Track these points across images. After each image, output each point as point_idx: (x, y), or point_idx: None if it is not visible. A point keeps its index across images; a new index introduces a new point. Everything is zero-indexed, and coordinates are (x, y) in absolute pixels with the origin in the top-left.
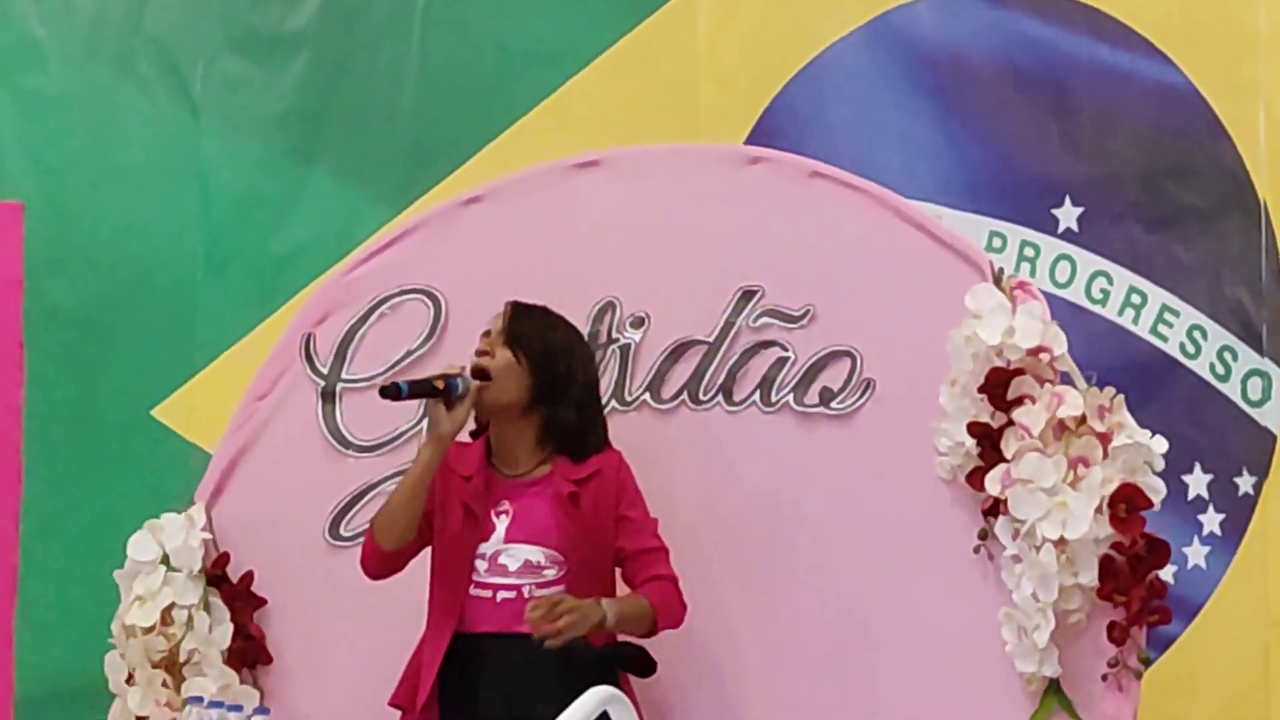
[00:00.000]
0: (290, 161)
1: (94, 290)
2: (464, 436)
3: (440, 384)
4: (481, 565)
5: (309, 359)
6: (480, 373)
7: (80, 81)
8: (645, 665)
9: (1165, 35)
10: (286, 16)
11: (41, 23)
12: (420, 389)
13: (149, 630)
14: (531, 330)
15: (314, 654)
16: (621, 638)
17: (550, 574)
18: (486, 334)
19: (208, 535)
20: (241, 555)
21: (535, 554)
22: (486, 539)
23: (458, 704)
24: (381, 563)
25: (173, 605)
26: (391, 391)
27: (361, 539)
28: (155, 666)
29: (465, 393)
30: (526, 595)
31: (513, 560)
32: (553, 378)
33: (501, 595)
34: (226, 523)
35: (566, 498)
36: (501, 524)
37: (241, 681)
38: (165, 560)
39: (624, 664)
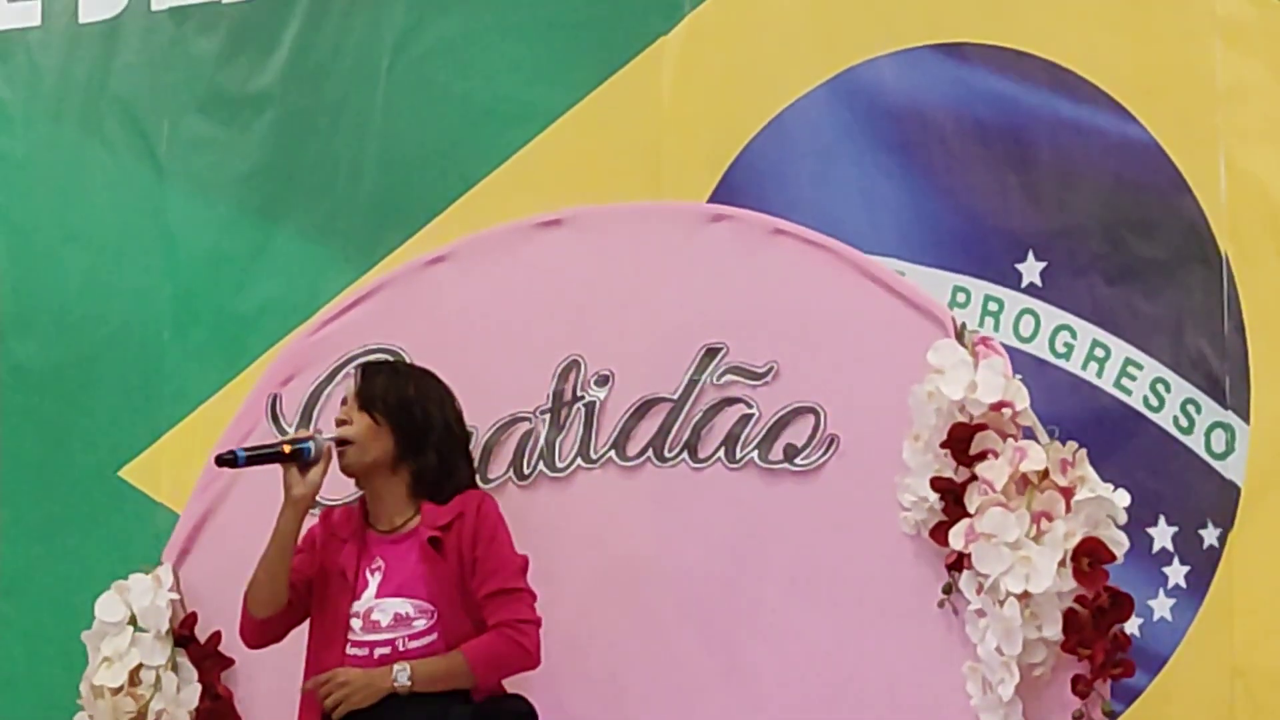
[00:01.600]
0: (256, 221)
1: (61, 350)
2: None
3: (287, 449)
4: (356, 624)
5: (275, 419)
6: (342, 440)
7: (46, 143)
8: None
9: (1125, 89)
10: (251, 76)
11: (7, 84)
12: (262, 456)
13: (117, 691)
14: (383, 389)
15: (282, 714)
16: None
17: (420, 624)
18: (344, 401)
19: (175, 596)
20: (209, 616)
21: (404, 606)
22: (359, 597)
23: None
24: (255, 631)
25: (140, 666)
26: (228, 460)
27: None
28: None
29: (318, 457)
30: (401, 649)
31: (384, 615)
32: (412, 430)
33: (379, 651)
34: (194, 583)
35: (429, 544)
36: (374, 580)
37: None
38: (133, 621)
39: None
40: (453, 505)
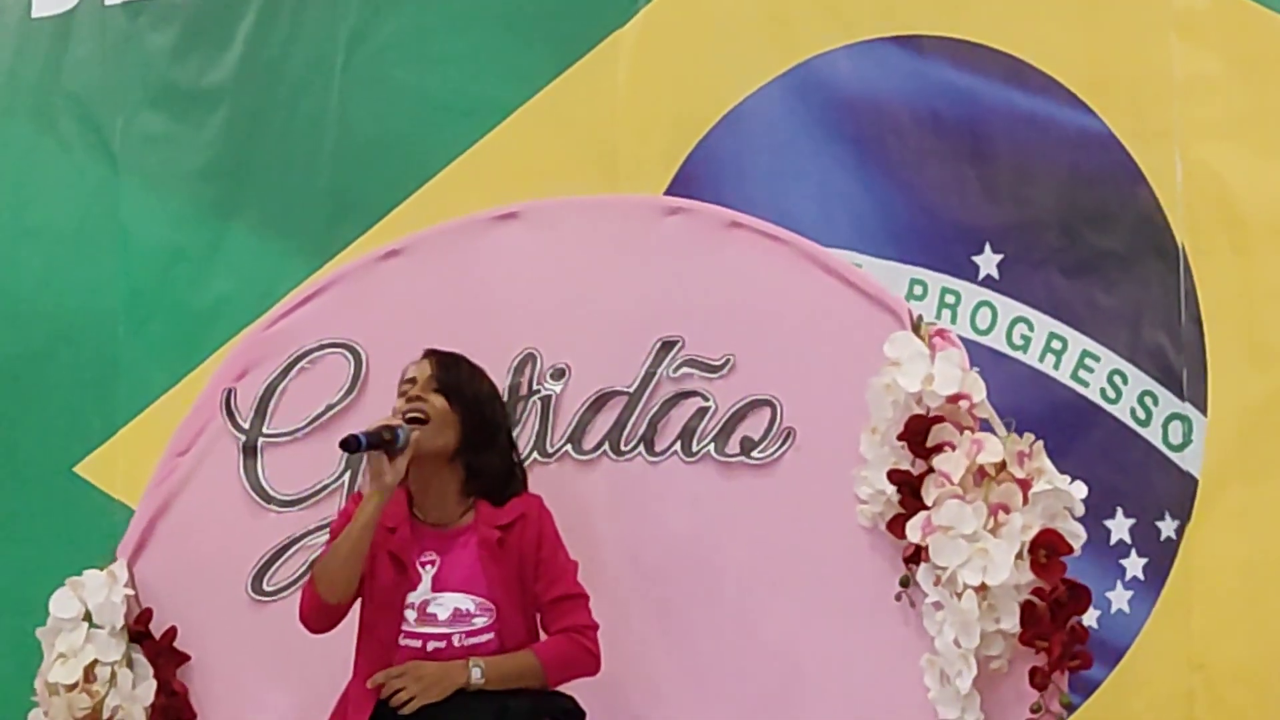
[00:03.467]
0: (210, 216)
1: (15, 347)
2: None
3: (388, 435)
4: (411, 615)
5: (230, 414)
6: (417, 418)
7: None
8: (572, 717)
9: (1082, 82)
10: (205, 72)
11: None
12: (374, 440)
13: (72, 688)
14: (461, 379)
15: (238, 710)
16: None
17: (480, 621)
18: (411, 381)
19: (130, 591)
20: (164, 611)
21: (465, 602)
22: (414, 588)
23: None
24: (323, 615)
25: (95, 662)
26: (351, 444)
27: (284, 594)
28: None
29: (406, 443)
30: (456, 644)
31: (442, 609)
32: (481, 425)
33: (432, 645)
34: (149, 579)
35: (494, 544)
36: (428, 574)
37: None
38: (87, 617)
39: (550, 716)
40: (512, 506)
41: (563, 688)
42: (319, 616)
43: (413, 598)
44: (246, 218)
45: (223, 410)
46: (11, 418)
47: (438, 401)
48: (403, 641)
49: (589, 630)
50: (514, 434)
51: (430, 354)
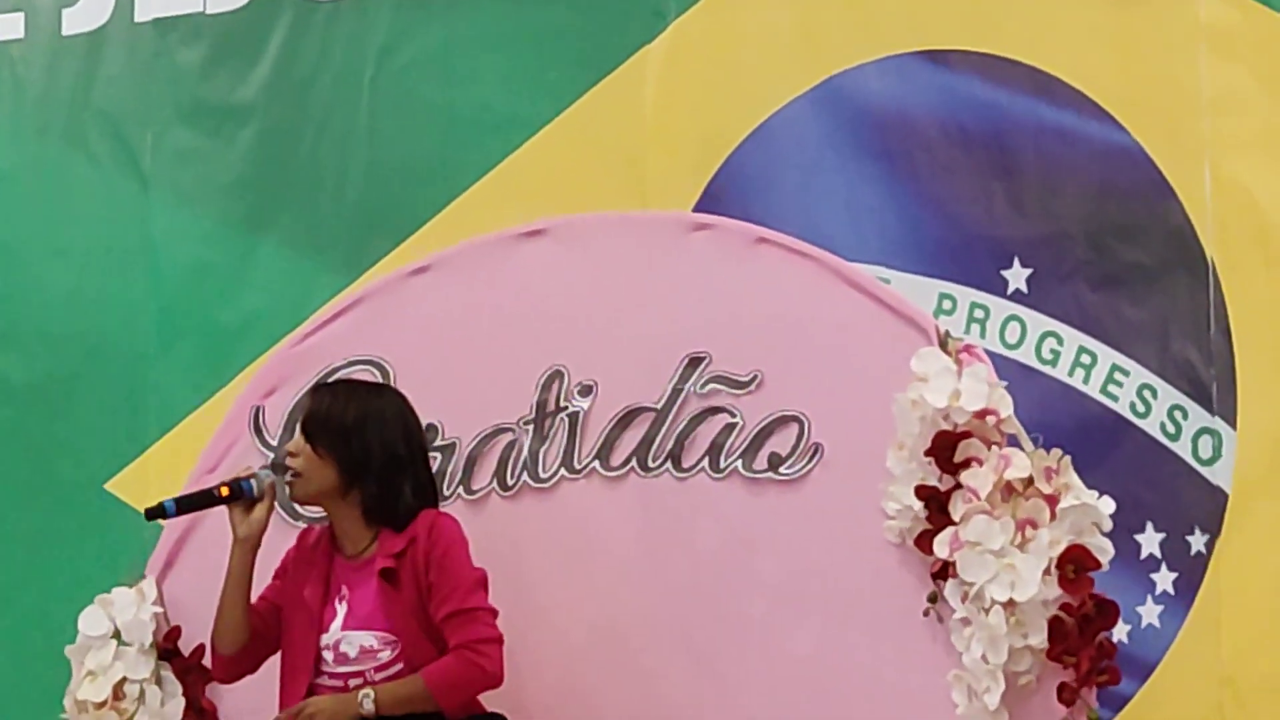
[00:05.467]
0: (240, 232)
1: (46, 364)
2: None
3: (224, 490)
4: (328, 655)
5: (258, 431)
6: (289, 472)
7: (29, 156)
8: None
9: (1110, 96)
10: (235, 88)
11: None
12: (195, 503)
13: (101, 705)
14: (324, 416)
15: None
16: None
17: (385, 655)
18: (300, 425)
19: (159, 609)
20: (193, 629)
21: (368, 639)
22: (326, 629)
23: None
24: (223, 667)
25: (124, 680)
26: (156, 512)
27: None
28: None
29: (262, 494)
30: (370, 680)
31: (351, 647)
32: (351, 459)
33: (353, 683)
34: (178, 596)
35: (390, 573)
36: (341, 611)
37: None
38: (117, 635)
39: None
40: (407, 531)
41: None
42: (219, 667)
43: (325, 639)
44: (276, 234)
45: (251, 428)
46: (43, 434)
47: (304, 448)
48: (326, 682)
49: (482, 645)
50: (414, 445)
51: (307, 392)
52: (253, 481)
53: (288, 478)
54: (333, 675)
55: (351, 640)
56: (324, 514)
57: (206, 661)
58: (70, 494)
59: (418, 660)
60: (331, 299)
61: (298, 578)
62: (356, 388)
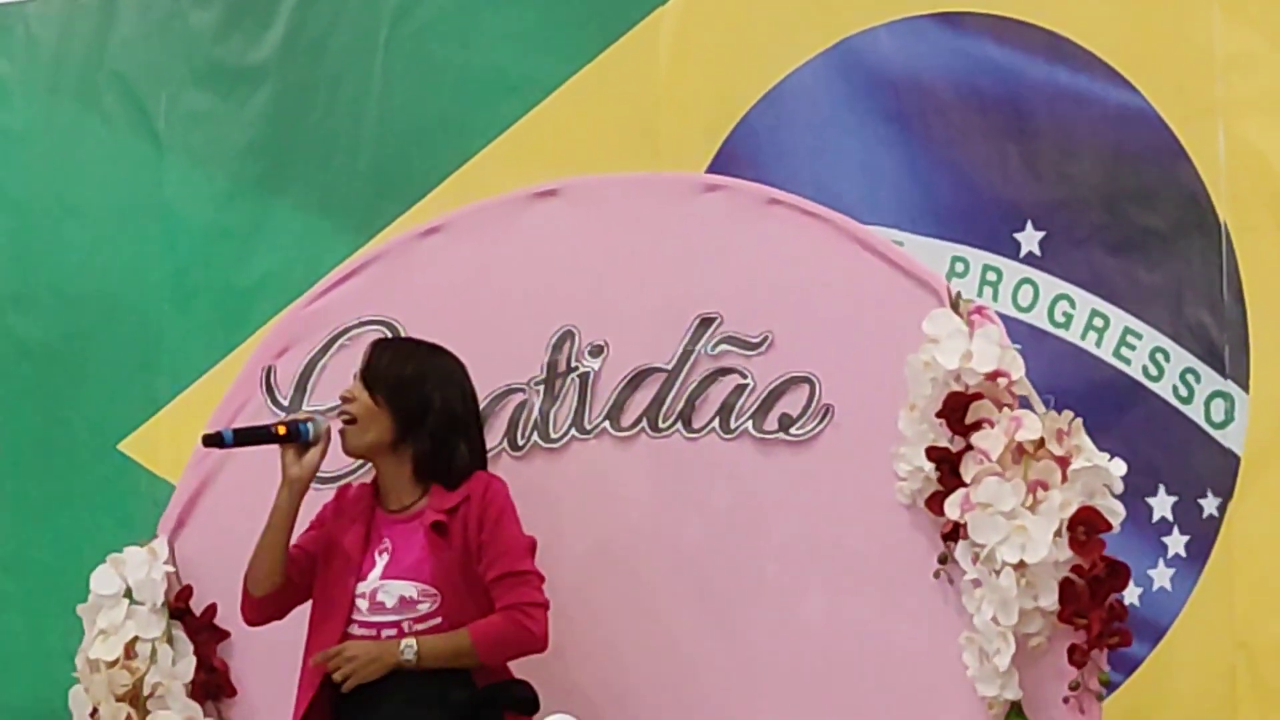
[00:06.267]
0: (254, 194)
1: (59, 324)
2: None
3: (282, 429)
4: (363, 604)
5: (270, 391)
6: (346, 419)
7: (43, 116)
8: (524, 704)
9: (1124, 58)
10: (249, 49)
11: (4, 57)
12: (252, 437)
13: (113, 664)
14: (385, 367)
15: (278, 686)
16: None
17: (424, 607)
18: (355, 376)
19: (170, 568)
20: (205, 588)
21: (409, 589)
22: (364, 578)
23: None
24: (254, 609)
25: (136, 639)
26: (214, 440)
27: None
28: (119, 700)
29: (317, 437)
30: (406, 631)
31: (389, 597)
32: (408, 412)
33: (385, 633)
34: (189, 556)
35: (439, 528)
36: (381, 561)
37: (206, 714)
38: (128, 594)
39: (506, 703)
40: (460, 489)
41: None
42: (248, 609)
43: (362, 587)
44: (290, 195)
45: (263, 387)
46: (56, 395)
47: (363, 396)
48: (357, 631)
49: (530, 608)
50: (469, 406)
51: (369, 346)
52: (310, 425)
53: (341, 424)
54: (364, 624)
55: (390, 590)
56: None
57: (218, 621)
58: (83, 454)
59: (455, 617)
60: (344, 260)
61: (336, 529)
62: (419, 345)
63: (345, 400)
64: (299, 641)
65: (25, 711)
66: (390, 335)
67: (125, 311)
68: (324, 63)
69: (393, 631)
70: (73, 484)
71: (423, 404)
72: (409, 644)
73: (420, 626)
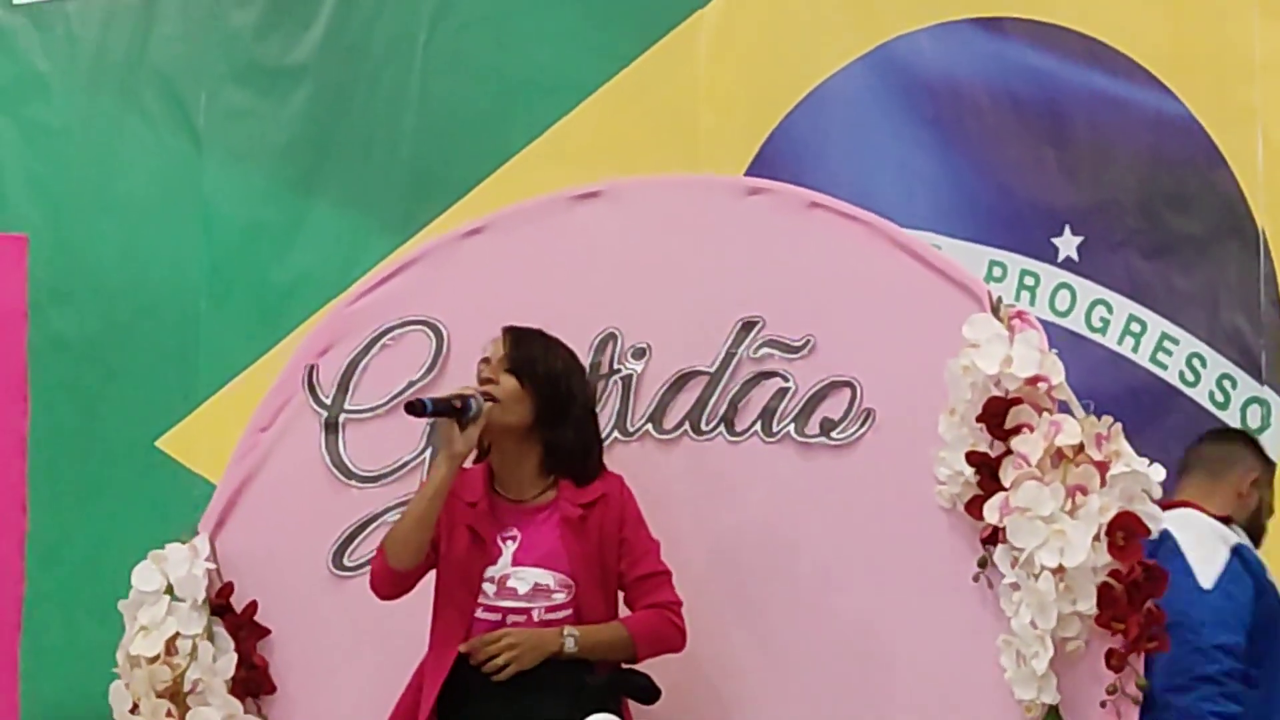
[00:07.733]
0: (292, 192)
1: (98, 321)
2: (466, 462)
3: (458, 403)
4: (490, 589)
5: (312, 390)
6: (488, 397)
7: (84, 114)
8: (648, 693)
9: (1162, 64)
10: (289, 49)
11: (46, 56)
12: (441, 408)
13: (153, 660)
14: (533, 355)
15: (317, 683)
16: (631, 665)
17: (560, 597)
18: (486, 360)
19: (211, 565)
20: (245, 585)
21: (545, 577)
22: (494, 562)
23: None
24: (392, 583)
25: (177, 635)
26: (417, 408)
27: (365, 569)
28: (160, 696)
29: (478, 414)
30: (536, 619)
31: (522, 583)
32: (554, 401)
33: (511, 619)
34: (230, 553)
35: (576, 522)
36: (509, 548)
37: (246, 711)
38: (169, 590)
39: (627, 691)
40: (595, 486)
41: (643, 666)
42: (386, 583)
43: (492, 571)
44: (328, 194)
45: (305, 386)
46: (94, 392)
47: (508, 380)
48: (481, 615)
49: (675, 606)
50: (596, 410)
51: (507, 331)
52: (474, 400)
53: (485, 401)
54: (490, 608)
55: (524, 576)
56: None
57: (258, 617)
58: (122, 451)
59: (586, 609)
60: (382, 259)
61: (453, 510)
62: (557, 340)
63: (485, 382)
64: (337, 639)
65: (65, 706)
66: (529, 328)
67: (163, 308)
68: (363, 62)
69: (521, 618)
70: (110, 480)
71: (568, 396)
72: (571, 634)
73: (551, 616)
